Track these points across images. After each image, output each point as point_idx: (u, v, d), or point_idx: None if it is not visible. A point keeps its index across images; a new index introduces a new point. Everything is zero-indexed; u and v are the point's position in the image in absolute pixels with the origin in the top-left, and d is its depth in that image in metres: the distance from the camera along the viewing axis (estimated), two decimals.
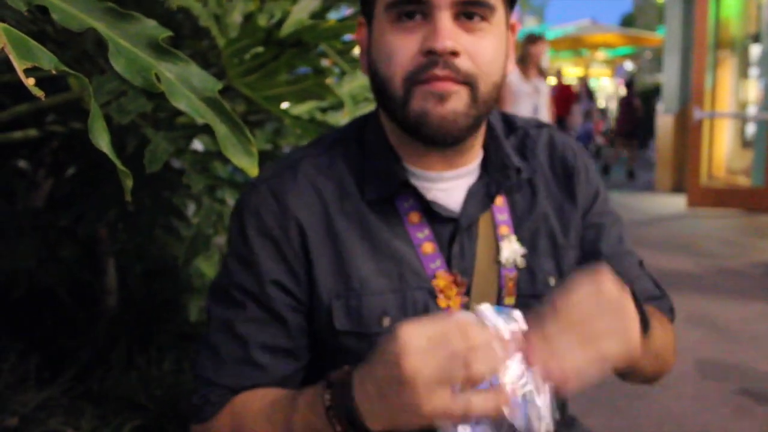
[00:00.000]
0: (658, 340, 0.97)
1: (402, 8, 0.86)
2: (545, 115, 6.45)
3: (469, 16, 0.86)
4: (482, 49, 0.87)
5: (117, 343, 1.81)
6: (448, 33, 0.84)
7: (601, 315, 0.75)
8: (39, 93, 0.58)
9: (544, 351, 0.73)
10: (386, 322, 0.95)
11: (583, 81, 14.99)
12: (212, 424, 0.96)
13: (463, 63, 0.86)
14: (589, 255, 1.07)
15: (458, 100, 0.87)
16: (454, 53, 0.85)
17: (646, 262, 1.13)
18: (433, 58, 0.85)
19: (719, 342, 3.64)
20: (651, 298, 1.08)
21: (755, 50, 9.41)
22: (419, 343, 0.67)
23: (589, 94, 13.85)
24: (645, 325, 0.84)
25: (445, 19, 0.85)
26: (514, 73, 6.29)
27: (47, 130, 1.77)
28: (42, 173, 2.17)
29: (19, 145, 1.94)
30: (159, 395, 1.67)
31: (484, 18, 0.87)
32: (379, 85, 0.92)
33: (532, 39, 6.53)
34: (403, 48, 0.87)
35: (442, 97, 0.87)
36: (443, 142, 0.91)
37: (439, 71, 0.85)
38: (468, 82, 0.87)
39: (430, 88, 0.86)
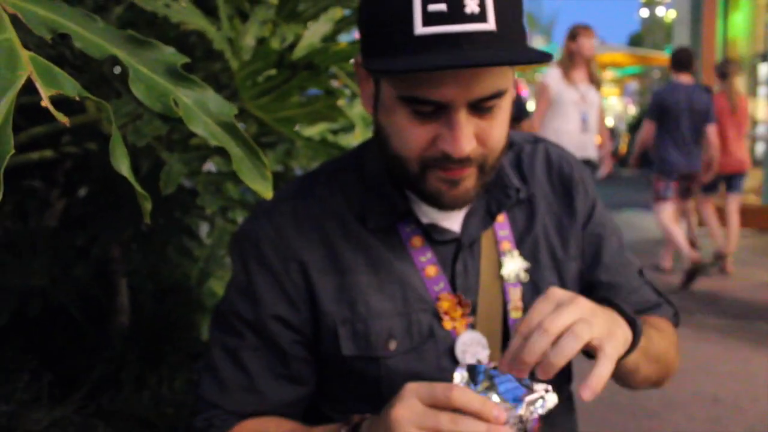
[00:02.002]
0: (657, 343, 0.99)
1: (416, 105, 0.84)
2: (594, 130, 5.20)
3: (483, 108, 0.85)
4: (492, 131, 0.87)
5: (128, 362, 1.82)
6: (465, 135, 0.84)
7: (553, 310, 0.78)
8: (63, 119, 0.60)
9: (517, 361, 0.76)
10: (392, 345, 0.96)
11: None
12: None
13: (474, 152, 0.87)
14: (591, 266, 1.09)
15: (469, 181, 0.90)
16: (469, 153, 0.86)
17: (655, 283, 1.15)
18: (448, 155, 0.85)
19: (730, 363, 3.62)
20: (653, 306, 1.11)
21: (764, 69, 9.43)
22: (414, 407, 0.73)
23: None
24: (633, 325, 0.86)
25: (462, 119, 0.83)
26: (554, 76, 5.15)
27: (62, 151, 1.79)
28: (55, 193, 2.20)
29: (33, 165, 1.96)
30: (170, 413, 1.68)
31: (496, 102, 0.86)
32: (390, 155, 0.92)
33: (572, 33, 5.10)
34: (418, 137, 0.86)
35: (455, 183, 0.89)
36: (456, 209, 0.96)
37: (453, 165, 0.87)
38: (478, 164, 0.89)
39: (444, 175, 0.88)
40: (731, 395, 3.17)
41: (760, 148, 9.37)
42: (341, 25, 1.56)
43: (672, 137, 5.34)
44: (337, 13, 1.59)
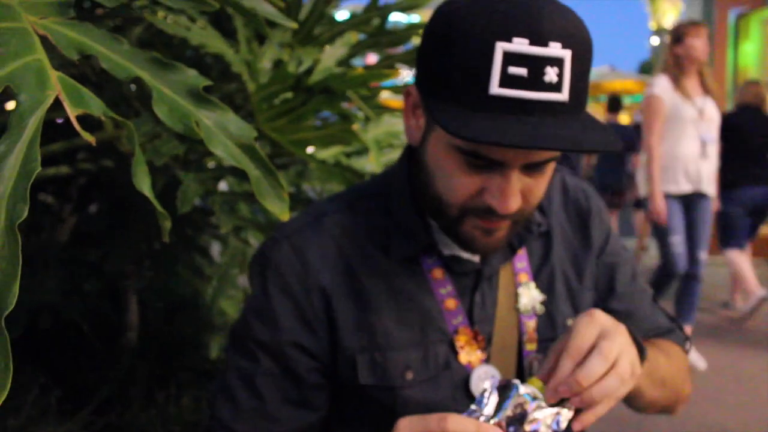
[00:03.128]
0: (663, 367, 1.00)
1: (472, 159, 0.83)
2: (715, 154, 4.04)
3: (535, 170, 0.85)
4: (538, 190, 0.87)
5: (137, 379, 1.82)
6: (514, 195, 0.83)
7: (600, 336, 0.80)
8: (90, 138, 0.62)
9: (562, 376, 0.78)
10: (409, 375, 0.95)
11: None
12: None
13: (517, 208, 0.85)
14: (604, 294, 1.10)
15: (504, 231, 0.90)
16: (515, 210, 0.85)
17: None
18: (493, 210, 0.85)
19: (739, 393, 3.59)
20: (665, 332, 1.12)
21: None
22: None
23: None
24: (640, 351, 0.88)
25: (514, 179, 0.83)
26: (664, 86, 3.96)
27: (78, 168, 1.82)
28: (67, 209, 2.22)
29: (47, 180, 1.98)
30: (177, 431, 1.68)
31: (549, 164, 0.86)
32: (431, 196, 0.92)
33: (677, 35, 3.97)
34: (465, 186, 0.85)
35: (491, 232, 0.89)
36: (485, 254, 0.97)
37: (494, 218, 0.86)
38: (516, 220, 0.89)
39: (481, 224, 0.88)
40: (740, 426, 3.14)
41: None
42: (356, 49, 1.58)
43: (604, 160, 7.62)
44: (353, 37, 1.61)
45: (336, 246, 0.99)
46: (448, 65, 0.80)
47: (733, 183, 4.88)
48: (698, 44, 3.90)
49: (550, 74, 0.76)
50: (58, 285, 1.82)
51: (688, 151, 3.93)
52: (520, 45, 0.75)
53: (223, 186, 1.89)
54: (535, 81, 0.76)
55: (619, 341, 0.79)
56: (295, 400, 0.98)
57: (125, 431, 1.66)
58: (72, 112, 0.62)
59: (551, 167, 0.88)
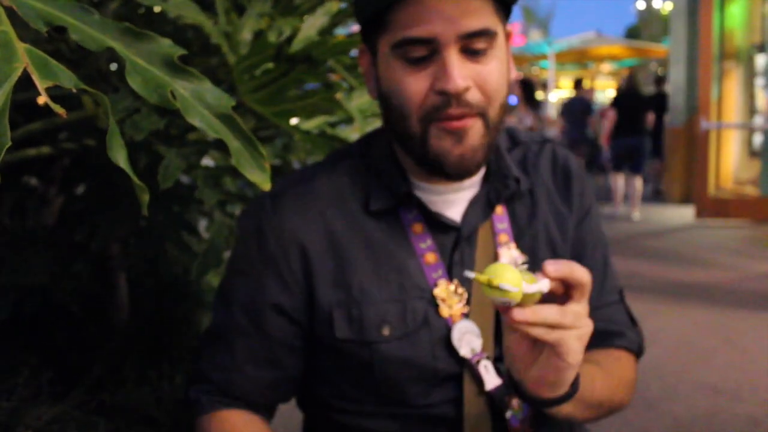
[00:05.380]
0: (599, 390, 0.98)
1: (409, 49, 0.87)
2: None
3: (474, 50, 0.88)
4: (489, 77, 0.89)
5: (129, 358, 1.82)
6: (459, 72, 0.86)
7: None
8: (60, 110, 0.60)
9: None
10: (386, 330, 0.97)
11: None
12: (201, 425, 1.02)
13: (473, 96, 0.88)
14: None
15: (474, 135, 0.90)
16: (465, 89, 0.87)
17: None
18: (446, 97, 0.87)
19: (730, 354, 3.63)
20: (615, 332, 1.08)
21: (761, 60, 9.44)
22: None
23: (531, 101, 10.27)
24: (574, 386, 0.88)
25: (453, 56, 0.86)
26: None
27: (60, 148, 1.79)
28: (53, 190, 2.19)
29: (29, 162, 1.96)
30: (171, 408, 1.68)
31: (487, 45, 0.88)
32: (394, 120, 0.94)
33: None
34: (415, 86, 0.88)
35: (459, 136, 0.89)
36: (463, 176, 0.95)
37: (453, 110, 0.87)
38: (480, 113, 0.89)
39: (446, 127, 0.89)
40: (731, 386, 3.17)
41: (757, 139, 9.38)
42: (338, 18, 1.55)
43: (571, 122, 9.84)
44: (333, 6, 1.58)
45: (317, 205, 1.01)
46: None
47: None
48: None
49: None
50: (46, 267, 1.81)
51: None
52: None
53: (210, 162, 1.88)
54: None
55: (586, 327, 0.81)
56: (266, 359, 1.01)
57: (119, 410, 1.66)
58: (41, 85, 0.61)
59: (497, 57, 0.90)
